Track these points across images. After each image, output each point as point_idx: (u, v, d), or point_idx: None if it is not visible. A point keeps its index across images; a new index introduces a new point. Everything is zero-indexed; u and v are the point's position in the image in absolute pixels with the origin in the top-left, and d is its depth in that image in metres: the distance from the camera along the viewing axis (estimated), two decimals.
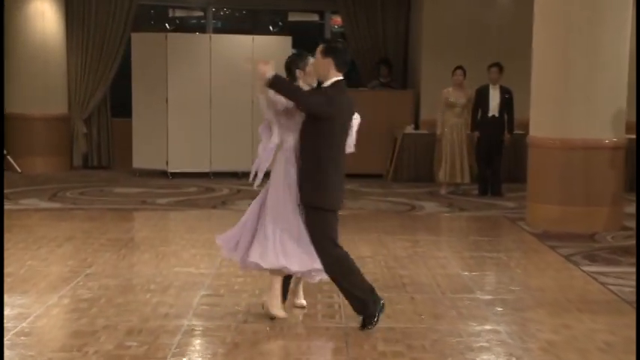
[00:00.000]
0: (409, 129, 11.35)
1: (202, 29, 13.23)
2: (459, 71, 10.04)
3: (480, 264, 6.38)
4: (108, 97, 12.47)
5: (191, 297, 5.22)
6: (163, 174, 11.41)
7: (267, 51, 11.49)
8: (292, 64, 4.82)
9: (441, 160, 10.23)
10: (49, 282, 5.49)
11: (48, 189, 10.10)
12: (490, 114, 9.94)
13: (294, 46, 11.69)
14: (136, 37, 11.59)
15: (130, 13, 12.08)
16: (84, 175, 11.74)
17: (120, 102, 12.47)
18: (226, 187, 10.55)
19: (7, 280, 5.46)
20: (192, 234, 7.39)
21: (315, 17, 14.00)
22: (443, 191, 10.20)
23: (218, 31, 13.23)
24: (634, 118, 9.05)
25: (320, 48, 4.57)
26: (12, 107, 11.77)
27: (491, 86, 9.95)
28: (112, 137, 12.56)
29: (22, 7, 11.55)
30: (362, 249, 6.74)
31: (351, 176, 11.34)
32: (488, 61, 10.18)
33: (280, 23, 14.31)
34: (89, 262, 6.10)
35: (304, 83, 4.75)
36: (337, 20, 13.50)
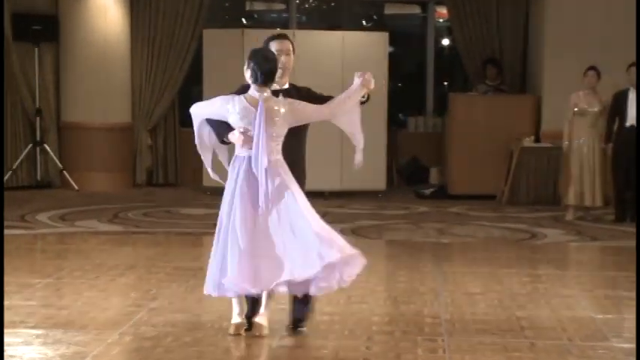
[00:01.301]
0: (528, 141, 11.19)
1: (284, 24, 13.42)
2: (591, 72, 9.84)
3: (617, 305, 6.22)
4: (176, 104, 12.77)
5: (269, 337, 5.27)
6: None
7: (359, 49, 11.59)
8: (277, 63, 5.07)
9: (568, 179, 10.03)
10: (108, 317, 5.65)
11: (107, 209, 10.41)
12: (628, 123, 9.70)
13: (391, 43, 11.75)
14: (209, 34, 11.85)
15: (202, 7, 12.38)
16: (148, 194, 12.04)
17: (188, 109, 12.73)
18: None
19: (62, 314, 5.65)
20: None
21: (417, 9, 14.00)
22: (569, 216, 10.00)
23: (302, 26, 13.39)
24: None
25: (290, 45, 5.22)
26: (68, 115, 12.21)
27: (630, 90, 9.70)
28: (179, 150, 12.85)
29: (82, 3, 11.99)
30: (470, 284, 6.67)
31: (459, 198, 11.32)
32: (627, 60, 9.92)
33: (375, 17, 14.37)
34: (153, 294, 6.25)
35: (269, 88, 5.05)
36: (442, 13, 13.47)
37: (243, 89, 5.13)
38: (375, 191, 11.65)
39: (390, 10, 14.25)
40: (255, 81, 5.00)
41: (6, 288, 6.20)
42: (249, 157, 5.02)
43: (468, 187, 11.48)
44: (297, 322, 5.40)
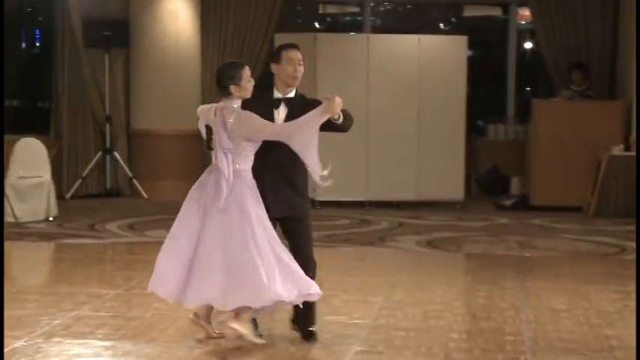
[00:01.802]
0: (617, 150, 11.00)
1: (358, 28, 13.46)
2: None
3: None
4: None
5: (343, 352, 5.29)
6: (311, 203, 11.60)
7: (436, 53, 11.55)
8: (225, 78, 5.23)
9: None
10: (177, 328, 5.73)
11: None
12: None
13: (470, 46, 11.67)
14: (281, 39, 11.89)
15: (274, 10, 12.49)
16: None
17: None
18: (385, 219, 10.61)
19: (131, 325, 5.77)
20: (344, 276, 7.48)
21: (498, 11, 13.90)
22: None
23: (377, 30, 13.41)
24: None
25: (300, 54, 5.43)
26: (138, 122, 12.44)
27: None
28: None
29: (153, 7, 12.21)
30: (554, 300, 6.58)
31: (542, 209, 11.18)
32: None
33: (453, 19, 14.31)
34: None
35: (235, 99, 5.22)
36: (525, 14, 13.34)
37: (245, 102, 5.31)
38: (453, 202, 11.58)
39: (469, 12, 14.17)
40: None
41: (76, 298, 6.35)
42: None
43: (551, 198, 11.33)
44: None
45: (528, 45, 14.00)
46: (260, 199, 5.26)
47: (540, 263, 8.14)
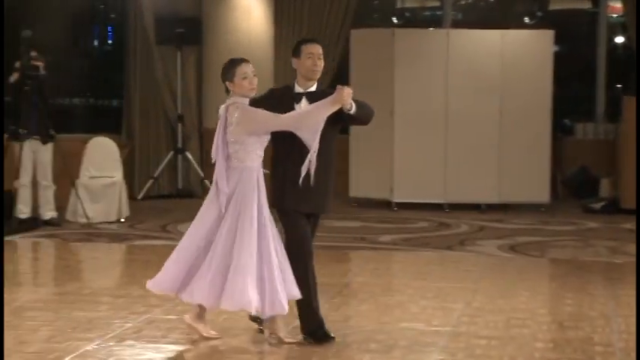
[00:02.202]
0: None
1: (438, 23, 13.38)
2: None
3: None
4: None
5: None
6: (387, 205, 11.60)
7: (520, 49, 11.42)
8: (222, 76, 5.53)
9: None
10: (250, 334, 5.77)
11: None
12: None
13: (556, 41, 11.50)
14: (357, 35, 11.95)
15: (349, 5, 12.48)
16: None
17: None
18: (465, 222, 10.53)
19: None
20: (422, 281, 7.45)
21: (587, 4, 13.67)
22: None
23: (458, 24, 13.31)
24: None
25: (321, 49, 5.56)
26: (210, 121, 12.54)
27: None
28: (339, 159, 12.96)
29: (226, 3, 12.32)
30: None
31: (633, 213, 10.92)
32: None
33: (539, 13, 14.13)
34: (296, 311, 6.34)
35: (238, 96, 5.43)
36: (616, 7, 13.09)
37: (270, 94, 5.67)
38: (537, 204, 11.43)
39: (555, 5, 13.97)
40: None
41: (147, 301, 6.44)
42: None
43: None
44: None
45: (619, 39, 13.74)
46: (264, 197, 5.45)
47: (632, 270, 7.97)
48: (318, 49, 5.59)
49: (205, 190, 12.26)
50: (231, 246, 5.34)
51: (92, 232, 9.62)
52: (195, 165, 12.36)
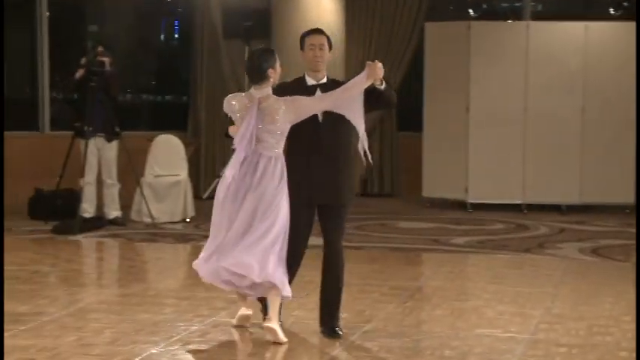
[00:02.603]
0: None
1: (517, 15, 13.23)
2: None
3: None
4: None
5: None
6: (461, 205, 11.53)
7: (605, 42, 11.26)
8: (265, 62, 5.63)
9: None
10: (320, 338, 5.78)
11: (317, 221, 10.64)
12: None
13: None
14: (431, 28, 11.89)
15: None
16: (361, 205, 12.18)
17: (408, 111, 12.84)
18: (545, 224, 10.42)
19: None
20: (498, 285, 7.39)
21: None
22: None
23: (538, 16, 13.14)
24: None
25: (324, 39, 5.75)
26: None
27: None
28: (396, 157, 12.96)
29: None
30: None
31: None
32: None
33: (625, 3, 13.86)
34: (367, 315, 6.34)
35: (271, 85, 5.64)
36: None
37: (279, 88, 5.75)
38: (622, 206, 11.24)
39: None
40: (249, 80, 5.70)
41: (213, 304, 6.49)
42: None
43: None
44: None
45: None
46: (285, 183, 5.62)
47: None
48: (319, 40, 5.78)
49: None
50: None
51: (157, 232, 9.73)
52: None
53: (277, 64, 5.71)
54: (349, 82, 5.66)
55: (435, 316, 6.40)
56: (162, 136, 10.91)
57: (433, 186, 11.73)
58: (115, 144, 10.14)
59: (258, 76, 5.63)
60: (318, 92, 5.69)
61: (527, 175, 11.35)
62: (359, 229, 10.16)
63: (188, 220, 10.39)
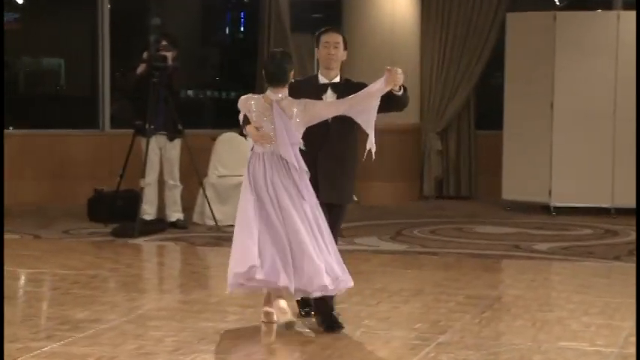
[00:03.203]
0: None
1: (607, 4, 13.04)
2: None
3: None
4: (471, 101, 12.83)
5: None
6: (544, 208, 11.42)
7: None
8: (287, 64, 5.93)
9: None
10: (391, 350, 5.77)
11: (390, 225, 10.65)
12: None
13: None
14: (513, 19, 11.80)
15: None
16: (437, 208, 12.17)
17: (487, 108, 12.76)
18: (635, 229, 10.26)
19: (338, 345, 5.83)
20: (584, 295, 7.30)
21: None
22: None
23: (631, 5, 12.93)
24: None
25: (339, 38, 6.07)
26: None
27: None
28: (475, 157, 12.89)
29: None
30: None
31: None
32: None
33: None
34: (442, 326, 6.31)
35: (284, 97, 5.89)
36: None
37: (290, 85, 5.99)
38: None
39: None
40: (266, 82, 5.98)
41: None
42: (264, 154, 5.93)
43: None
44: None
45: None
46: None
47: None
48: (334, 38, 6.09)
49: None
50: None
51: (221, 236, 9.78)
52: None
53: (294, 65, 6.04)
54: (368, 87, 5.87)
55: (515, 328, 6.34)
56: (227, 134, 10.95)
57: (514, 188, 11.64)
58: (177, 143, 10.21)
59: (278, 78, 5.92)
60: (329, 91, 6.01)
61: (617, 177, 11.19)
62: (433, 234, 10.12)
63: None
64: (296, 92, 5.97)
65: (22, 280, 7.89)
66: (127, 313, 6.48)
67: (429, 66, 12.67)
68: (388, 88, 5.84)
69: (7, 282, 7.39)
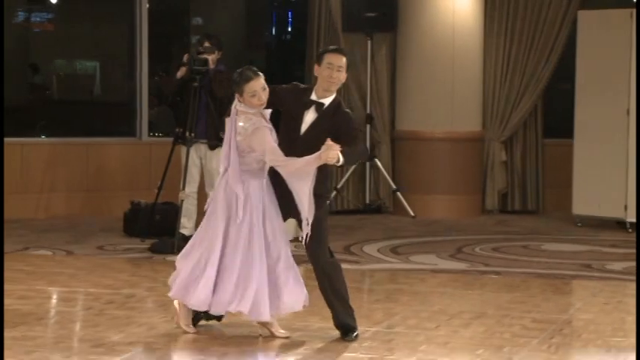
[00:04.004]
0: None
1: None
2: None
3: None
4: (539, 108, 12.76)
5: None
6: (619, 224, 11.32)
7: None
8: (233, 85, 6.29)
9: None
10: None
11: (449, 242, 10.61)
12: None
13: None
14: (586, 17, 11.71)
15: None
16: (501, 223, 12.09)
17: (556, 114, 12.66)
18: None
19: None
20: None
21: None
22: None
23: None
24: None
25: (345, 61, 6.30)
26: (404, 123, 12.60)
27: None
28: (542, 168, 12.80)
29: None
30: None
31: None
32: None
33: None
34: (506, 352, 6.27)
35: (245, 110, 6.24)
36: None
37: (274, 91, 6.35)
38: None
39: None
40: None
41: (327, 334, 6.51)
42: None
43: None
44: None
45: None
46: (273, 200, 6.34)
47: None
48: (339, 60, 6.28)
49: (397, 205, 12.36)
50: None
51: None
52: (386, 175, 12.41)
53: (246, 94, 6.24)
54: (302, 159, 6.08)
55: (586, 355, 6.30)
56: None
57: (585, 202, 11.55)
58: (218, 152, 10.18)
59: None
60: (312, 110, 6.24)
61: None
62: (497, 252, 10.06)
63: (301, 239, 10.41)
64: (288, 95, 6.34)
65: (54, 299, 7.97)
66: (165, 336, 6.51)
67: (493, 68, 12.61)
68: (321, 163, 6.04)
69: (38, 301, 7.48)
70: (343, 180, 12.43)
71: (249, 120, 6.21)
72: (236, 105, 6.30)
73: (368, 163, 12.49)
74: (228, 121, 6.34)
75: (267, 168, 6.27)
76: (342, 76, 6.31)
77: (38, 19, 13.87)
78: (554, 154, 12.64)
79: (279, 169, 6.18)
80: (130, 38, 12.61)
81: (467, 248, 10.22)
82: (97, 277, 8.51)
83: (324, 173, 6.30)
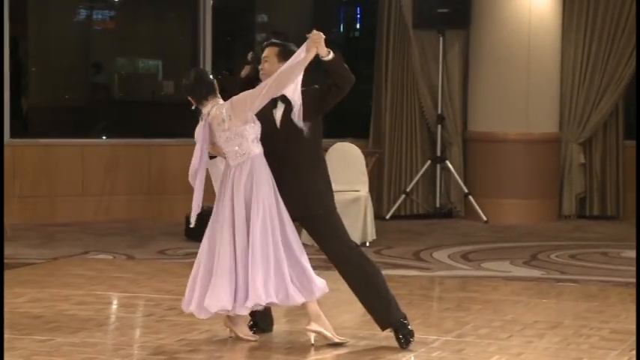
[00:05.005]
0: None
1: None
2: None
3: None
4: (620, 109, 12.64)
5: None
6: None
7: None
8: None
9: None
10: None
11: (524, 248, 10.55)
12: None
13: None
14: None
15: None
16: (578, 229, 12.00)
17: (638, 114, 12.53)
18: None
19: None
20: None
21: None
22: None
23: None
24: None
25: (271, 51, 6.49)
26: (476, 124, 12.55)
27: None
28: (623, 171, 12.68)
29: None
30: None
31: None
32: None
33: None
34: None
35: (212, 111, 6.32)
36: None
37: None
38: None
39: None
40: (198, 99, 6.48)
41: (394, 343, 6.50)
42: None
43: None
44: None
45: None
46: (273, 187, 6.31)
47: None
48: (265, 52, 6.53)
49: (469, 209, 12.31)
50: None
51: None
52: (458, 177, 12.38)
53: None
54: (289, 60, 6.24)
55: None
56: (339, 144, 10.95)
57: None
58: None
59: (189, 95, 6.44)
60: (279, 104, 6.34)
61: None
62: (574, 259, 9.99)
63: (368, 244, 10.44)
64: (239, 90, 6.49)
65: (114, 305, 8.06)
66: (228, 344, 6.55)
67: (571, 67, 12.51)
68: (311, 54, 6.17)
69: (98, 307, 7.57)
70: (413, 183, 12.42)
71: (221, 106, 6.32)
72: (209, 110, 6.39)
73: (439, 166, 12.46)
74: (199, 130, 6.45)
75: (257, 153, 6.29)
76: (266, 67, 6.42)
77: (100, 17, 14.02)
78: (634, 157, 12.50)
79: (277, 88, 6.22)
80: (194, 36, 12.70)
81: (542, 255, 10.16)
82: (158, 283, 8.59)
83: (324, 167, 6.45)
